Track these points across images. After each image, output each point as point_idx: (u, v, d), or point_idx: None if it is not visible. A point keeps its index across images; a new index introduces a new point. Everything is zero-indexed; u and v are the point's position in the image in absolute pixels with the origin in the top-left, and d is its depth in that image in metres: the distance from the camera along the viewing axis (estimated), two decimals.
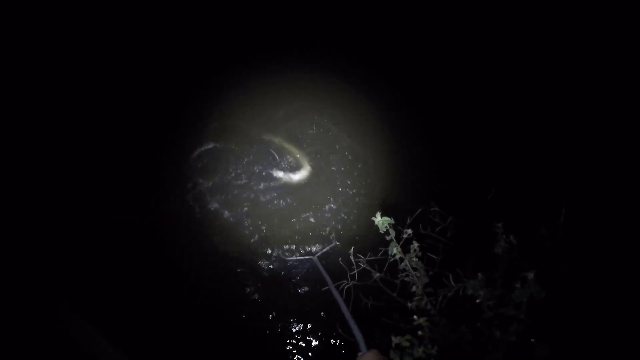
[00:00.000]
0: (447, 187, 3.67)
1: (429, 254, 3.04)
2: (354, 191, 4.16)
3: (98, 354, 2.98)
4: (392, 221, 2.88)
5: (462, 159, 3.84)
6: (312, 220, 4.12)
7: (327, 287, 3.20)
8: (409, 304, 2.93)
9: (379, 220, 2.88)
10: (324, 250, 3.98)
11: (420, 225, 3.17)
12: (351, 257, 3.21)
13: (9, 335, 2.84)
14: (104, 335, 3.11)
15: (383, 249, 3.02)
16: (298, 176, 4.35)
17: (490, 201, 3.08)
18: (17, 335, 2.86)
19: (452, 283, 2.84)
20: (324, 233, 4.04)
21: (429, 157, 3.97)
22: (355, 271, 3.19)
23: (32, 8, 4.30)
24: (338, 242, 4.02)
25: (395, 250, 2.94)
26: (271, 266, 3.98)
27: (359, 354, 2.23)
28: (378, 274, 3.15)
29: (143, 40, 4.61)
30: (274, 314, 3.65)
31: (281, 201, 4.20)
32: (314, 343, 3.55)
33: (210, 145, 4.49)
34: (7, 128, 3.94)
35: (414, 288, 2.95)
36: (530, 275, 2.31)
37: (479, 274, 2.64)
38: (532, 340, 2.29)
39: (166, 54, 4.69)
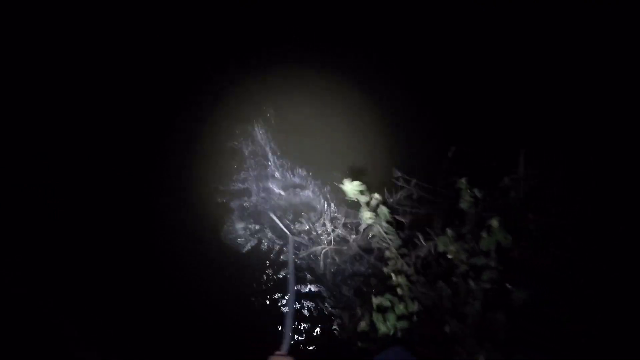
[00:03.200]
0: (409, 150, 3.69)
1: (396, 217, 3.09)
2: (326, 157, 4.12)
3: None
4: (361, 187, 2.89)
5: (420, 118, 3.86)
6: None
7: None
8: (385, 269, 2.98)
9: (348, 187, 2.88)
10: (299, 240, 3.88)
11: (385, 190, 3.23)
12: (326, 222, 3.22)
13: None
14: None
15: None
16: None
17: (452, 159, 3.15)
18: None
19: (424, 242, 2.91)
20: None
21: (392, 121, 3.97)
22: (332, 236, 3.21)
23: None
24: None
25: (367, 215, 2.96)
26: None
27: (277, 352, 2.20)
28: (354, 236, 3.19)
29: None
30: None
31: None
32: None
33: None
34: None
35: (387, 253, 2.99)
36: (495, 223, 2.39)
37: (448, 230, 2.70)
38: (508, 285, 2.38)
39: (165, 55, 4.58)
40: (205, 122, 4.32)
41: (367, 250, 3.14)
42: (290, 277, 2.98)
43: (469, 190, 2.72)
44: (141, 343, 3.11)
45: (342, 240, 3.23)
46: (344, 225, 3.22)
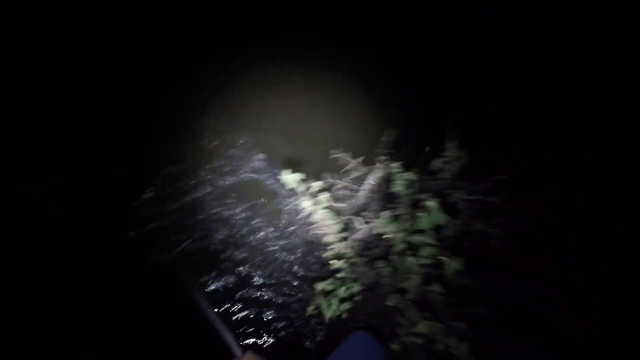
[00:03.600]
0: (348, 134, 3.82)
1: (335, 204, 3.22)
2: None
3: None
4: (301, 177, 2.99)
5: (359, 104, 3.98)
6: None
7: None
8: (326, 254, 3.11)
9: (288, 177, 2.97)
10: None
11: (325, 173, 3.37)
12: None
13: None
14: None
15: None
16: None
17: (388, 143, 3.34)
18: None
19: (362, 225, 3.08)
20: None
21: (331, 106, 4.07)
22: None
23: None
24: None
25: (305, 204, 3.07)
26: None
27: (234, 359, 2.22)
28: (293, 227, 3.28)
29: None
30: None
31: None
32: None
33: None
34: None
35: (327, 238, 3.13)
36: (432, 204, 2.62)
37: (384, 212, 2.88)
38: (442, 257, 2.61)
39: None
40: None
41: (307, 240, 3.26)
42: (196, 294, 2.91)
43: (401, 174, 2.91)
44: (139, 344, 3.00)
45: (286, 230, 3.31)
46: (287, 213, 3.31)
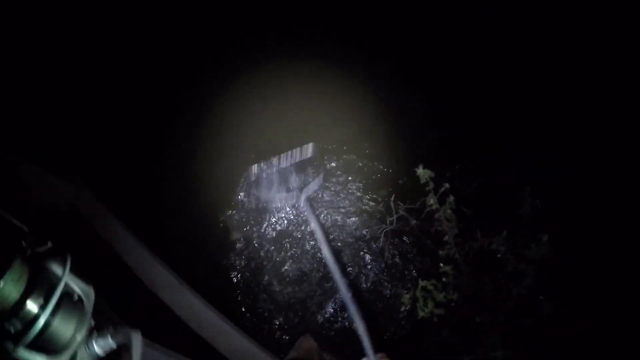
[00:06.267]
0: (482, 142, 3.75)
1: (462, 207, 3.27)
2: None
3: None
4: (432, 174, 3.13)
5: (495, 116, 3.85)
6: None
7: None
8: (440, 251, 3.23)
9: (421, 171, 3.13)
10: (312, 186, 3.83)
11: (458, 180, 3.41)
12: (391, 203, 3.53)
13: None
14: None
15: (421, 199, 3.29)
16: None
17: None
18: None
19: (480, 236, 3.10)
20: None
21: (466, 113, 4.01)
22: (394, 217, 3.50)
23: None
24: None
25: (432, 200, 3.20)
26: None
27: None
28: (415, 221, 3.45)
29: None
30: None
31: None
32: None
33: None
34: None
35: (445, 237, 3.22)
36: (544, 238, 2.53)
37: (504, 231, 2.85)
38: (540, 297, 2.55)
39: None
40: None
41: (425, 232, 3.38)
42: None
43: (530, 199, 2.82)
44: None
45: (403, 221, 3.49)
46: (407, 209, 3.46)
